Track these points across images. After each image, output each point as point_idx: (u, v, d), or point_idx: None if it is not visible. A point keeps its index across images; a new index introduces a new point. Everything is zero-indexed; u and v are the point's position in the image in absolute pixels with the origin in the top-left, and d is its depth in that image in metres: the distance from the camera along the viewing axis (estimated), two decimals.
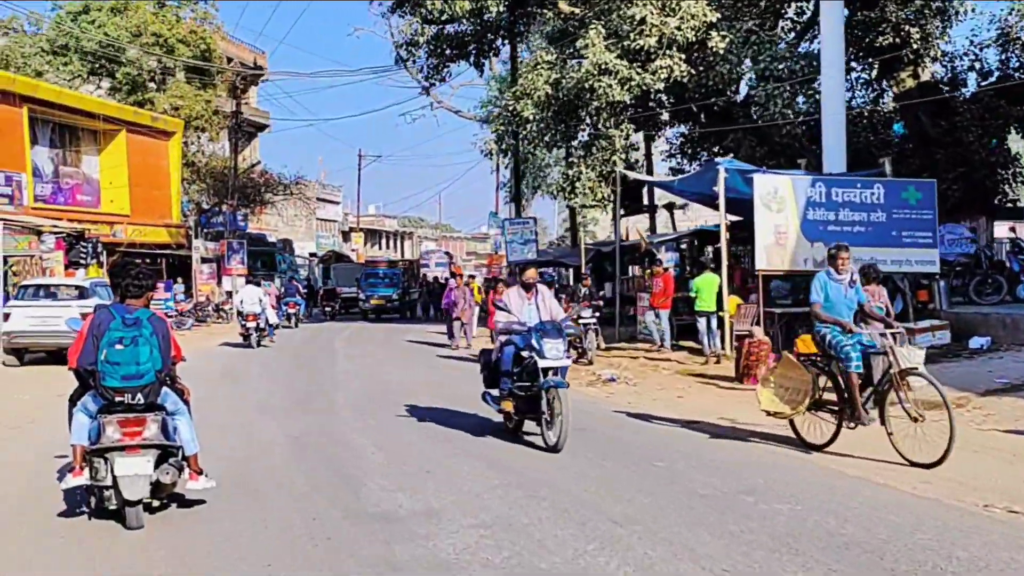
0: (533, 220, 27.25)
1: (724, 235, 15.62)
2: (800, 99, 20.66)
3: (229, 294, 29.17)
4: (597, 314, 16.00)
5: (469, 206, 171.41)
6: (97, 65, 32.57)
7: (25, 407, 11.61)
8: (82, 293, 16.92)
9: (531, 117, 22.46)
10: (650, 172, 23.77)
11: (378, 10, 36.12)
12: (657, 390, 12.57)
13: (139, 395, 5.65)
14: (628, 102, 21.20)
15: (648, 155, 26.61)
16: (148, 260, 27.97)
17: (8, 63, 29.58)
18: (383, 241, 79.30)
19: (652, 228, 27.57)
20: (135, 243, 27.35)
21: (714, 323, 14.91)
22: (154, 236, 29.18)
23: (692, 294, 14.93)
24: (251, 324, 19.75)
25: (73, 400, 6.01)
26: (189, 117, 33.17)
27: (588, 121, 22.56)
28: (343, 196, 67.64)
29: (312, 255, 51.85)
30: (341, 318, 32.23)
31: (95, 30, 31.51)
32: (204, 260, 30.16)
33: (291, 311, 26.24)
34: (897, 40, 20.15)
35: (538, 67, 22.36)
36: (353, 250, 57.14)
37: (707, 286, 14.81)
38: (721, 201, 15.53)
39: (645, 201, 27.46)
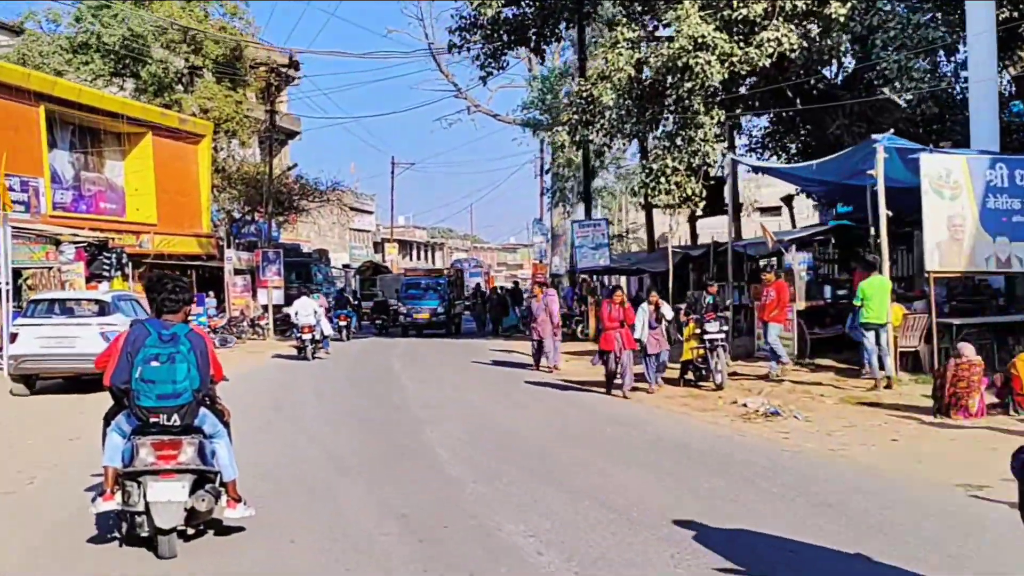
0: (605, 221, 24.21)
1: (884, 229, 12.66)
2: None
3: (265, 308, 26.70)
4: (726, 328, 13.05)
5: (499, 217, 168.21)
6: (120, 65, 30.12)
7: (28, 457, 8.87)
8: (103, 309, 14.08)
9: (611, 103, 19.68)
10: (734, 164, 20.97)
11: None
12: (844, 427, 9.61)
13: (175, 416, 5.26)
14: (718, 84, 18.46)
15: (732, 147, 23.69)
16: (177, 272, 25.46)
17: (25, 62, 27.17)
18: (413, 252, 77.34)
19: (738, 232, 24.48)
20: (163, 254, 24.85)
21: (883, 338, 11.91)
22: (183, 246, 26.70)
23: (857, 302, 11.91)
24: (306, 336, 19.19)
25: (108, 419, 5.61)
26: (219, 119, 30.74)
27: (675, 107, 19.74)
28: (375, 206, 65.29)
29: (346, 266, 49.33)
30: (392, 332, 29.48)
31: (118, 25, 29.03)
32: (237, 271, 27.61)
33: (343, 323, 24.55)
34: (1015, 14, 17.25)
35: (618, 46, 19.54)
36: (388, 261, 54.63)
37: (878, 292, 11.80)
38: (880, 187, 12.64)
39: (727, 200, 24.49)
